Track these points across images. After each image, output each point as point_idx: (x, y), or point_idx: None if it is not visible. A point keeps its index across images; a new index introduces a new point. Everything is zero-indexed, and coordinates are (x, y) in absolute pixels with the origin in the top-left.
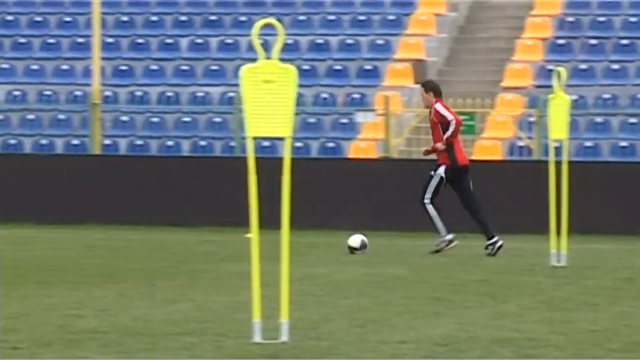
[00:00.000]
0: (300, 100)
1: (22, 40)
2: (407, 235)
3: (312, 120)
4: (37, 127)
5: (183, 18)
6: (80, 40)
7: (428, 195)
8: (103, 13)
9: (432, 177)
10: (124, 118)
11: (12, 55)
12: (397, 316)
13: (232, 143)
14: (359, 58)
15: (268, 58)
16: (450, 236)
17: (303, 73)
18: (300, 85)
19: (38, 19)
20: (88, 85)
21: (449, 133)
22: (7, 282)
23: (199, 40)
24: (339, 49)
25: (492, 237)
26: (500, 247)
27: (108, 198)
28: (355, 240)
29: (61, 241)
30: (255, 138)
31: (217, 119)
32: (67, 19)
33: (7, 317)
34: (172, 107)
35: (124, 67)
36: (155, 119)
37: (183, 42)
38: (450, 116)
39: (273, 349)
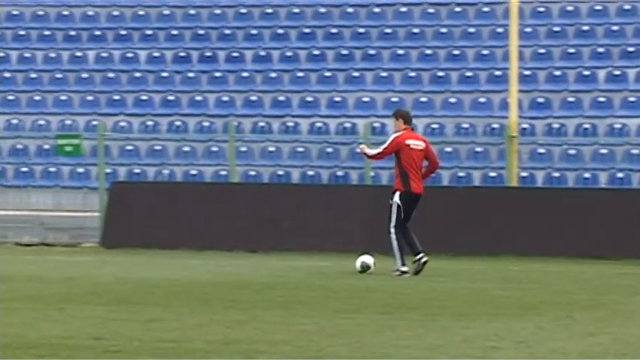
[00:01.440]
0: None
1: (441, 74)
2: None
3: None
4: (454, 160)
5: (600, 50)
6: (497, 72)
7: (392, 224)
8: (520, 46)
9: (391, 206)
10: (541, 150)
11: (431, 88)
12: None
13: None
14: None
15: None
16: (405, 268)
17: None
18: None
19: (456, 52)
20: (505, 117)
21: (371, 152)
22: (425, 313)
23: (617, 72)
24: None
25: (419, 252)
26: (426, 262)
27: (524, 229)
28: (361, 261)
29: (477, 272)
30: None
31: (635, 151)
32: (485, 52)
33: (426, 348)
34: (589, 139)
35: (540, 100)
36: (572, 151)
37: (601, 73)
38: (385, 144)
39: None
